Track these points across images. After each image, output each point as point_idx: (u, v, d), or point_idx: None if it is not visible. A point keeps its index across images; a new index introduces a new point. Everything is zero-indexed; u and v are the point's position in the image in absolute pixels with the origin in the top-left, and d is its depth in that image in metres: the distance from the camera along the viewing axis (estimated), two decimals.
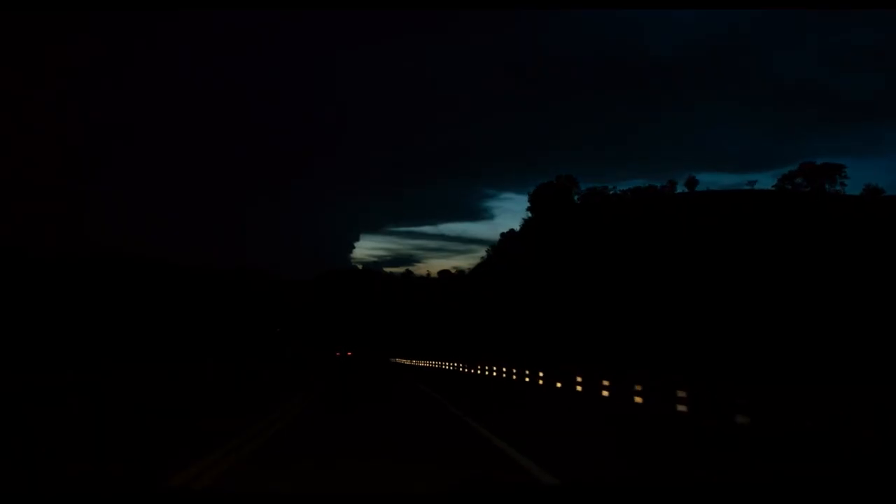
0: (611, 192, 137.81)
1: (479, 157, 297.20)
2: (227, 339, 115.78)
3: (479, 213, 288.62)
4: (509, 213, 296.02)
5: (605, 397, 21.83)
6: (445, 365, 62.83)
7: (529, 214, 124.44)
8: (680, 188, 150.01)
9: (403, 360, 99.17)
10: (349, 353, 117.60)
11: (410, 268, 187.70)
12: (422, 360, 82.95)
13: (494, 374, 39.57)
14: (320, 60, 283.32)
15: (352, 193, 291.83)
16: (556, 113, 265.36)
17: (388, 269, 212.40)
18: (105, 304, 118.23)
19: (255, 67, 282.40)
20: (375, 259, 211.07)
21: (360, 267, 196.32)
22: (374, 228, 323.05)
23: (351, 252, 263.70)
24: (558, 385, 27.98)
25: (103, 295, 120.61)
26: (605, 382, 21.57)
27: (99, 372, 37.91)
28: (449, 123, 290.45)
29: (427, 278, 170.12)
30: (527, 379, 32.66)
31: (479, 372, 44.55)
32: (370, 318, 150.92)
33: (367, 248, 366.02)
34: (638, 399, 19.42)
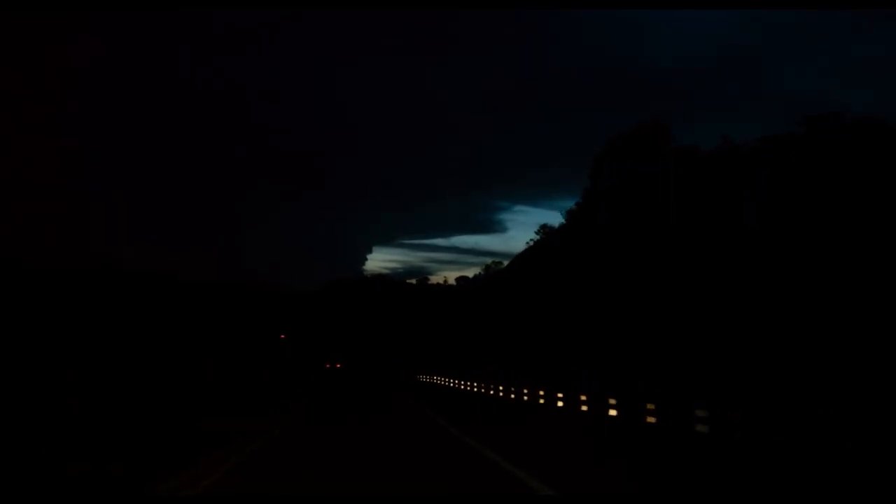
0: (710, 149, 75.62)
1: (492, 169, 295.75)
2: (227, 341, 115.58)
3: (491, 226, 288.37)
4: (522, 226, 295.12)
5: None
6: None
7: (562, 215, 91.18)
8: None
9: (451, 382, 56.64)
10: (338, 366, 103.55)
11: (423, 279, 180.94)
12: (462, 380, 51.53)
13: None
14: (328, 66, 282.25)
15: (364, 205, 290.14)
16: (570, 126, 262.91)
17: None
18: (106, 308, 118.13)
19: (258, 69, 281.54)
20: (388, 271, 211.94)
21: (369, 276, 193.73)
22: (387, 241, 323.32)
23: (363, 264, 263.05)
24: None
25: (104, 300, 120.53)
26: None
27: (99, 372, 37.92)
28: (462, 135, 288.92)
29: (444, 285, 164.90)
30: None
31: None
32: (381, 327, 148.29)
33: (379, 259, 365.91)
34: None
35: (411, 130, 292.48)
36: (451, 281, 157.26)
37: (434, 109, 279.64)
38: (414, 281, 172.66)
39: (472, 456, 12.48)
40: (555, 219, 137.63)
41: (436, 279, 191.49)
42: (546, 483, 9.33)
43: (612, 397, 19.65)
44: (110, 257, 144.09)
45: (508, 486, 9.44)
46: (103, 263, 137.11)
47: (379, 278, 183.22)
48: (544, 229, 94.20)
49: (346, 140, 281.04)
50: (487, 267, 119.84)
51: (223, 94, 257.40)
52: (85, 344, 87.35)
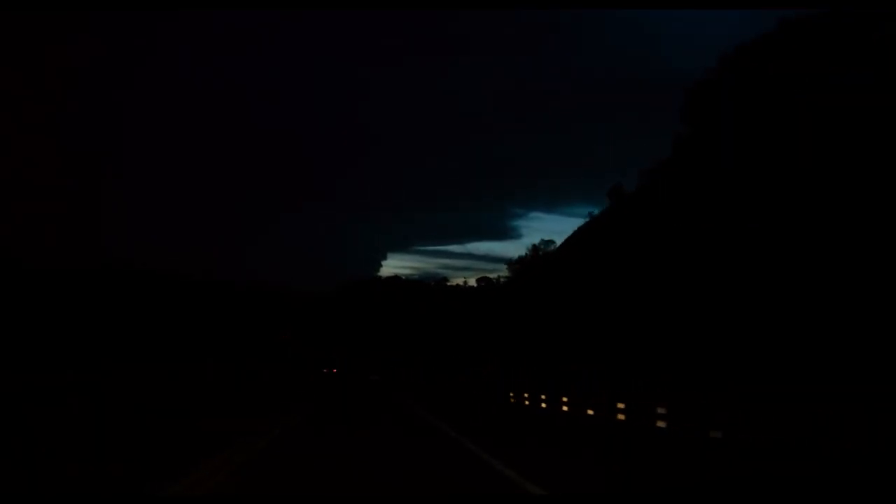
0: None
1: (507, 176, 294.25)
2: (228, 342, 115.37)
3: (506, 233, 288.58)
4: (537, 233, 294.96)
5: None
6: None
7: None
8: None
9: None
10: (335, 369, 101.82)
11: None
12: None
13: None
14: (329, 66, 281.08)
15: (378, 210, 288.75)
16: (585, 133, 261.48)
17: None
18: (106, 308, 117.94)
19: (258, 69, 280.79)
20: (403, 277, 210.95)
21: (382, 279, 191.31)
22: (402, 247, 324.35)
23: (378, 269, 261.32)
24: None
25: (104, 300, 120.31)
26: None
27: (99, 372, 37.90)
28: (476, 142, 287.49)
29: (464, 287, 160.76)
30: None
31: None
32: (387, 327, 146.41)
33: (393, 265, 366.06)
34: None
35: (421, 135, 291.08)
36: (472, 283, 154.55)
37: (445, 115, 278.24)
38: (432, 283, 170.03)
39: (470, 456, 12.50)
40: (568, 225, 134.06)
41: (455, 282, 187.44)
42: (542, 485, 9.36)
43: (619, 400, 19.91)
44: (110, 257, 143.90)
45: (507, 486, 9.46)
46: (103, 263, 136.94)
47: (392, 280, 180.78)
48: (615, 190, 74.57)
49: (353, 144, 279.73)
50: (535, 248, 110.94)
51: (223, 94, 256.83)
52: (85, 344, 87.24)
